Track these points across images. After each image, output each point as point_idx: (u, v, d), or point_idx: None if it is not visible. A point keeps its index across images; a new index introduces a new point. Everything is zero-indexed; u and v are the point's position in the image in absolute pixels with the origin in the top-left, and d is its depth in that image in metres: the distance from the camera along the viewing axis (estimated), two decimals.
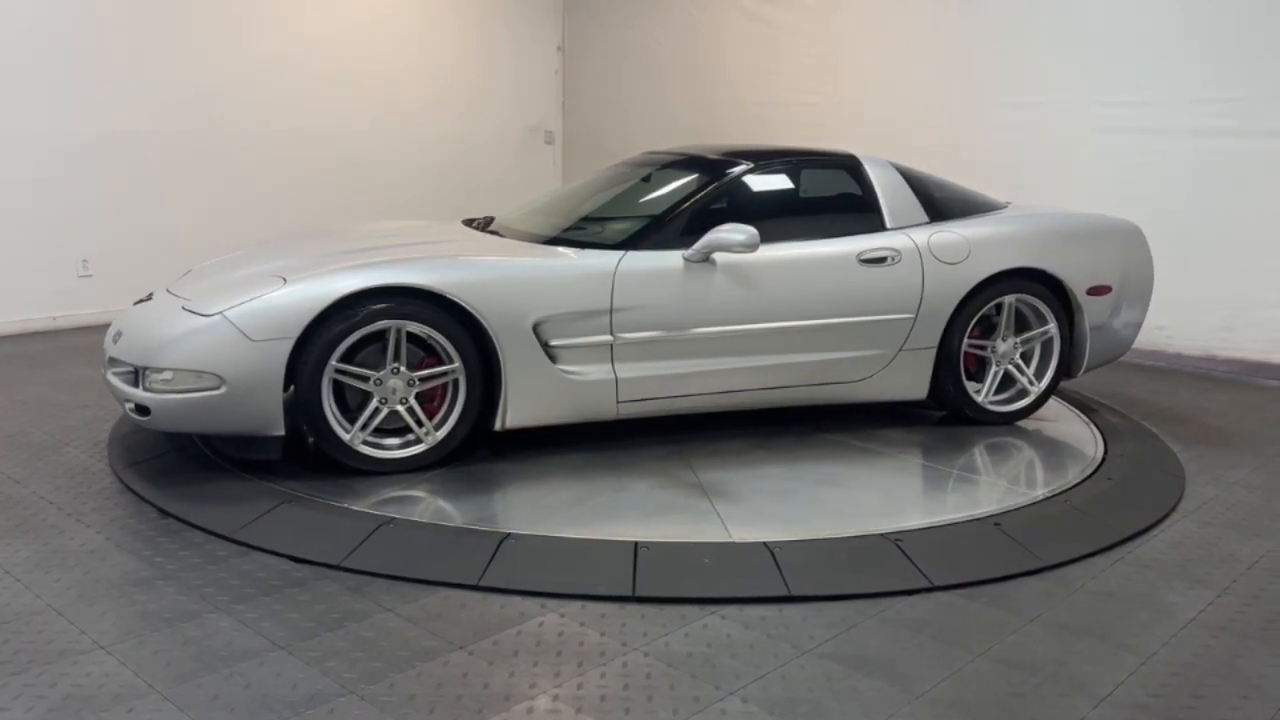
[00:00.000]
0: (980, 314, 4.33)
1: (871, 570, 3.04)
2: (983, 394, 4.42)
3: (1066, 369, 4.57)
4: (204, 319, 3.51)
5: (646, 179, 4.50)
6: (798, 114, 7.88)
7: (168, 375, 3.48)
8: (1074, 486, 3.77)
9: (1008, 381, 4.50)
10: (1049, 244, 4.40)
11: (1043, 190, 6.11)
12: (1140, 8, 6.16)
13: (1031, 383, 4.49)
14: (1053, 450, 4.23)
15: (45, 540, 3.19)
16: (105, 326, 6.51)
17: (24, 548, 3.13)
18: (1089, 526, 3.43)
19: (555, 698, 2.37)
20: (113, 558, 3.07)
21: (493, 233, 4.42)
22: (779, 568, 2.99)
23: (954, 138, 6.98)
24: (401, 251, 3.90)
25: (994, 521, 3.38)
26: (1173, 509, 3.68)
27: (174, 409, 3.49)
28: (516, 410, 3.80)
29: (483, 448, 3.99)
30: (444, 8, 8.50)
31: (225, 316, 3.48)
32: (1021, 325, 4.47)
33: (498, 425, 3.80)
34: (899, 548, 3.15)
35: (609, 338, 3.83)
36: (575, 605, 2.82)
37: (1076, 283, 4.40)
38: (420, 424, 3.70)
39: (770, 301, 4.01)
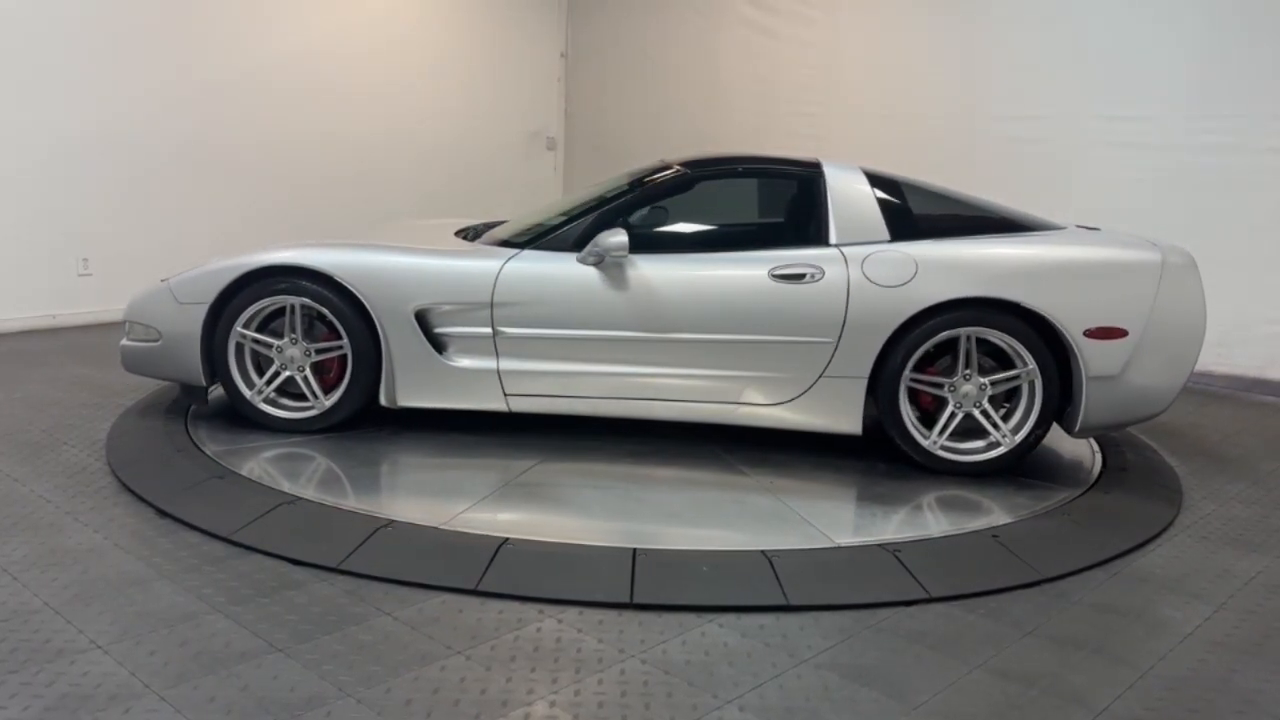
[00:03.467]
0: (925, 346, 3.83)
1: (869, 581, 3.04)
2: (931, 437, 3.94)
3: (1065, 424, 3.98)
4: (159, 285, 4.27)
5: (620, 186, 4.44)
6: (799, 123, 7.91)
7: (129, 326, 4.34)
8: (1072, 500, 3.78)
9: (979, 429, 3.95)
10: (1026, 273, 3.79)
11: (1039, 205, 6.12)
12: (1140, 23, 6.19)
13: (1003, 434, 3.92)
14: (1051, 464, 4.23)
15: (43, 539, 3.18)
16: (105, 325, 6.58)
17: (21, 546, 3.12)
18: (1087, 540, 3.43)
19: (552, 704, 2.36)
20: (110, 557, 3.07)
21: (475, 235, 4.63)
22: (777, 577, 2.99)
23: (953, 150, 7.00)
24: (343, 239, 4.30)
25: (992, 534, 3.39)
26: (1170, 524, 3.68)
27: (132, 354, 4.33)
28: (406, 391, 4.13)
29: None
30: (447, 14, 8.53)
31: (167, 283, 4.24)
32: (1007, 366, 3.90)
33: (384, 401, 4.14)
34: (897, 558, 3.15)
35: (489, 330, 3.99)
36: (573, 611, 2.82)
37: (1069, 321, 3.75)
38: (315, 393, 4.17)
39: (666, 311, 3.92)
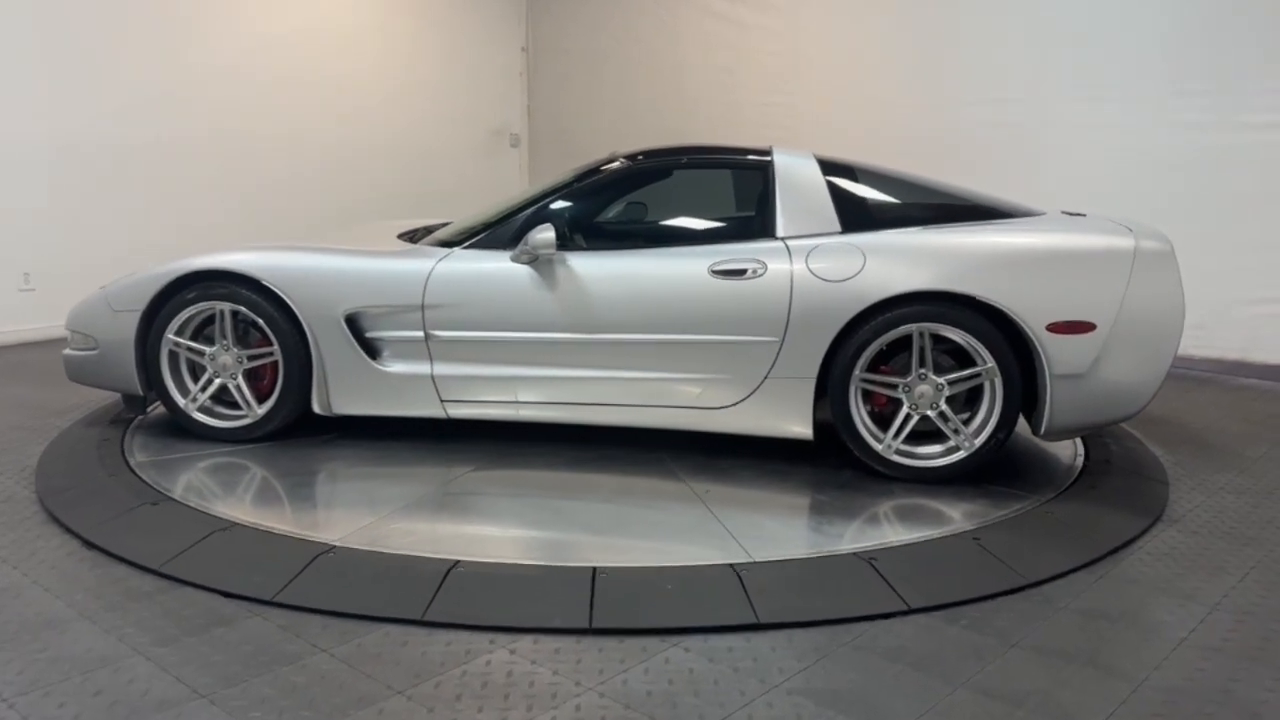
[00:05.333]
0: (876, 345, 3.59)
1: (844, 592, 2.85)
2: (885, 442, 3.70)
3: (1033, 426, 3.71)
4: (97, 292, 4.18)
5: (561, 182, 4.23)
6: (766, 114, 7.73)
7: (70, 335, 4.24)
8: (1056, 496, 3.61)
9: (936, 432, 3.69)
10: (981, 264, 3.52)
11: (1010, 190, 5.97)
12: (1109, 0, 6.04)
13: (964, 437, 3.65)
14: (1033, 458, 4.06)
15: None
16: (47, 343, 6.31)
17: None
18: (1072, 539, 3.26)
19: None
20: (28, 596, 2.84)
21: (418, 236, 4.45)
22: (746, 592, 2.80)
23: (924, 136, 6.83)
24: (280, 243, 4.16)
25: (973, 536, 3.21)
26: (1158, 517, 3.52)
27: (73, 364, 4.24)
28: (340, 397, 3.99)
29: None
30: (403, 8, 8.28)
31: (103, 290, 4.16)
32: (968, 365, 3.63)
33: (318, 408, 3.99)
34: (873, 566, 2.97)
35: (421, 334, 3.84)
36: (527, 640, 2.61)
37: (1029, 315, 3.47)
38: (248, 401, 4.05)
39: (602, 311, 3.74)
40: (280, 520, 3.29)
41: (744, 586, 2.83)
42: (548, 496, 3.60)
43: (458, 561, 2.94)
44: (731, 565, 2.95)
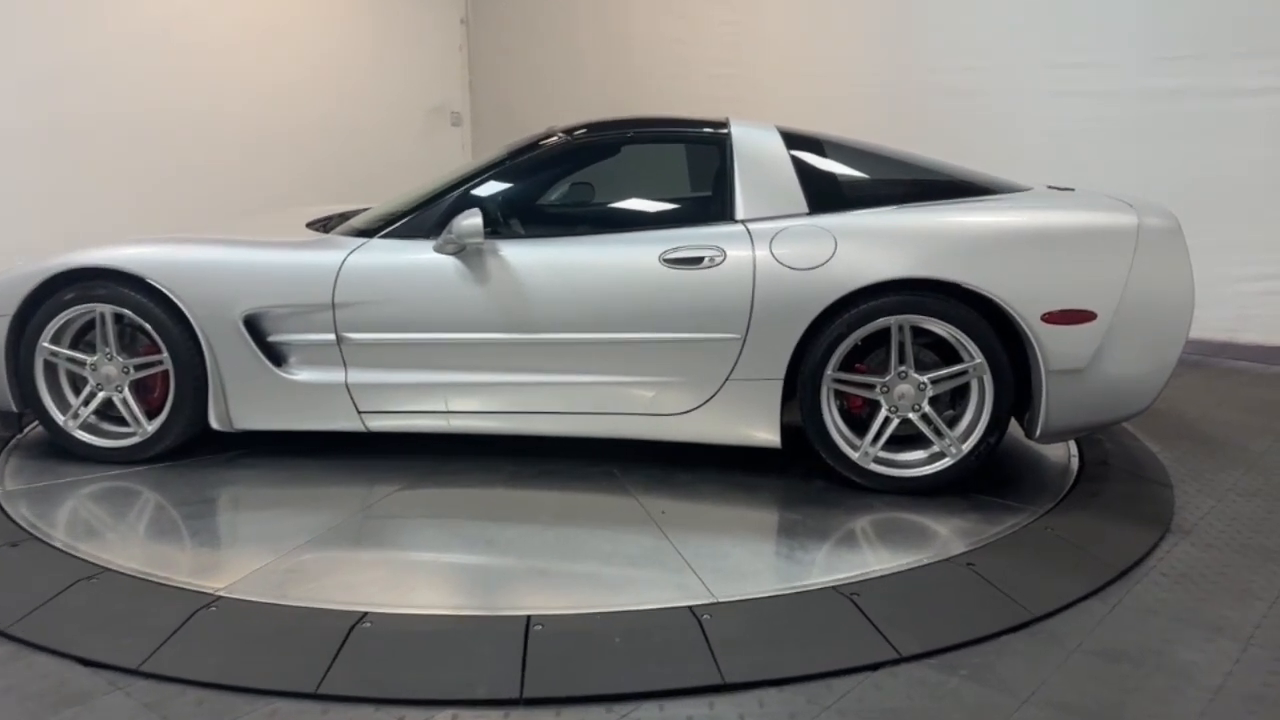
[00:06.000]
0: (850, 340, 3.18)
1: (823, 639, 2.42)
2: (861, 449, 3.30)
3: (1026, 428, 3.32)
4: None
5: (493, 160, 3.73)
6: (720, 85, 7.27)
7: None
8: (1053, 507, 3.22)
9: (919, 436, 3.30)
10: (968, 247, 3.12)
11: (983, 163, 5.58)
12: None
13: (950, 442, 3.27)
14: (1024, 462, 3.67)
15: None
16: None
17: None
18: (1077, 559, 2.87)
19: None
20: None
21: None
22: (709, 644, 2.36)
23: (887, 107, 6.42)
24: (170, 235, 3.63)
25: (966, 562, 2.80)
26: (1167, 528, 3.14)
27: None
28: (241, 411, 3.51)
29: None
30: None
31: None
32: (953, 361, 3.24)
33: (216, 423, 3.50)
34: (855, 604, 2.55)
35: (332, 337, 3.36)
36: (445, 716, 2.16)
37: (1022, 304, 3.08)
38: (136, 416, 3.54)
39: (539, 307, 3.28)
40: (161, 563, 2.79)
41: (706, 636, 2.39)
42: (481, 521, 3.14)
43: (365, 614, 2.47)
44: (691, 608, 2.52)
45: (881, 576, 2.71)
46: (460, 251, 3.32)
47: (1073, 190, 3.76)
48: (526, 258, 3.33)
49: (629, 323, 3.27)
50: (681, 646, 2.36)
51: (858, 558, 2.85)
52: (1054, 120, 5.83)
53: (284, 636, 2.41)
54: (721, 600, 2.56)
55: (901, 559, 2.82)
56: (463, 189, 3.50)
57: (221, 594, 2.59)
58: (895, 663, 2.35)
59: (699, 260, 3.25)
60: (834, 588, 2.64)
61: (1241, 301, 5.42)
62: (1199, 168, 5.41)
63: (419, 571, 2.80)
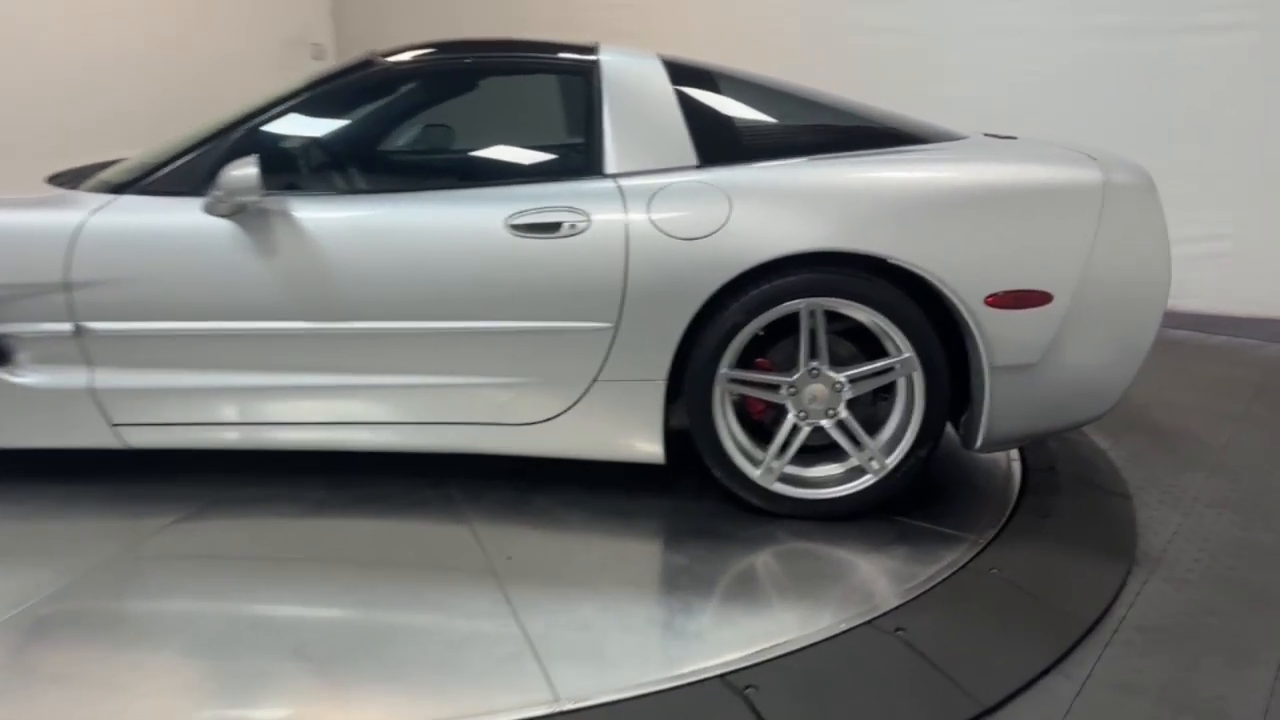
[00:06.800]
0: (749, 329, 2.51)
1: None
2: (763, 464, 2.63)
3: (964, 436, 2.66)
4: None
5: (291, 93, 2.83)
6: (613, 15, 6.46)
7: None
8: (997, 535, 2.60)
9: (834, 448, 2.64)
10: (895, 211, 2.45)
11: (903, 108, 4.97)
12: None
13: (872, 455, 2.60)
14: (958, 473, 3.04)
15: None
16: None
17: None
18: (1030, 613, 2.26)
19: None
20: None
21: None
22: None
23: (798, 45, 5.73)
24: None
25: (894, 627, 2.16)
26: (1133, 560, 2.56)
27: None
28: None
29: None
30: None
31: None
32: (876, 354, 2.60)
33: None
34: (750, 705, 1.88)
35: (69, 326, 2.54)
36: None
37: (962, 283, 2.43)
38: None
39: (349, 288, 2.52)
40: None
41: None
42: (263, 577, 2.38)
43: None
44: None
45: (786, 655, 2.05)
46: (238, 213, 2.50)
47: (1015, 139, 3.11)
48: (329, 222, 2.54)
49: (464, 308, 2.52)
50: None
51: (755, 624, 2.18)
52: (980, 62, 5.22)
53: None
54: (568, 708, 1.87)
55: (812, 624, 2.16)
56: (244, 129, 2.66)
57: None
58: None
59: (555, 226, 2.50)
60: (723, 676, 1.97)
61: (1180, 265, 4.88)
62: (1144, 116, 4.86)
63: (146, 672, 2.01)
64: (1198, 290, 4.90)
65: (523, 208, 2.52)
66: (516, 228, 2.51)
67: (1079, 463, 3.14)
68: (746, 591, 2.32)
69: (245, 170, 2.42)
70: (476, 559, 2.44)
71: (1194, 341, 4.77)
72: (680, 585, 2.34)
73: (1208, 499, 2.95)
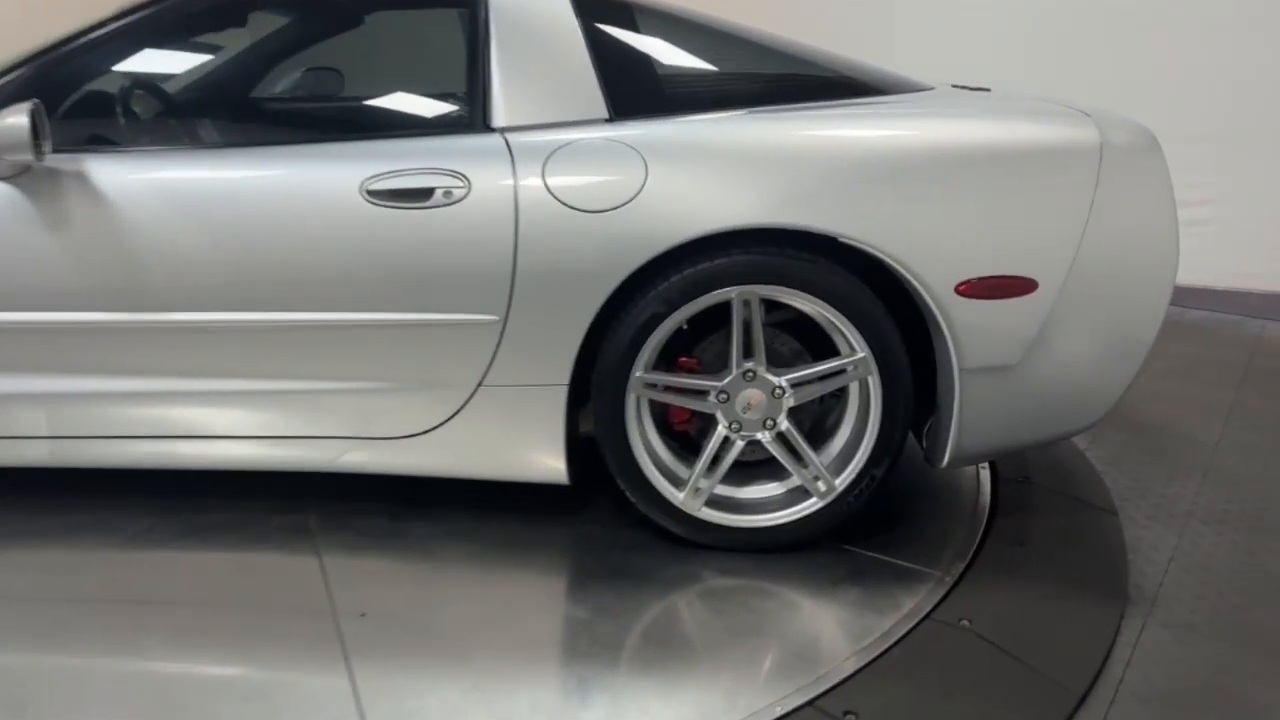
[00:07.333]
0: (670, 323, 2.04)
1: None
2: (688, 486, 2.15)
3: (929, 451, 2.22)
4: None
5: (85, 28, 2.20)
6: None
7: None
8: (966, 569, 2.17)
9: (773, 464, 2.20)
10: (846, 178, 1.97)
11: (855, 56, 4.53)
12: None
13: (818, 474, 2.15)
14: (917, 495, 2.60)
15: None
16: None
17: None
18: (1013, 684, 1.83)
19: None
20: None
21: None
22: None
23: None
24: None
25: (844, 711, 1.71)
26: (1126, 598, 2.14)
27: None
28: None
29: None
30: None
31: None
32: (824, 353, 2.17)
33: None
34: None
35: None
36: None
37: (928, 268, 1.98)
38: None
39: (163, 269, 2.00)
40: None
41: None
42: (45, 645, 1.86)
43: None
44: None
45: None
46: (20, 175, 1.95)
47: (988, 91, 2.64)
48: (138, 184, 2.00)
49: (313, 296, 2.01)
50: None
51: (669, 710, 1.71)
52: (928, 14, 4.76)
53: None
54: None
55: (741, 706, 1.71)
56: (25, 69, 2.09)
57: None
58: None
59: (425, 193, 1.98)
60: None
61: None
62: (1111, 72, 4.44)
63: None
64: None
65: (383, 169, 1.99)
66: (375, 194, 1.98)
67: (1056, 470, 2.72)
68: (661, 658, 1.85)
69: (15, 120, 1.87)
70: (323, 617, 1.95)
71: (1170, 318, 4.36)
72: (578, 651, 1.87)
73: (1204, 513, 2.56)
